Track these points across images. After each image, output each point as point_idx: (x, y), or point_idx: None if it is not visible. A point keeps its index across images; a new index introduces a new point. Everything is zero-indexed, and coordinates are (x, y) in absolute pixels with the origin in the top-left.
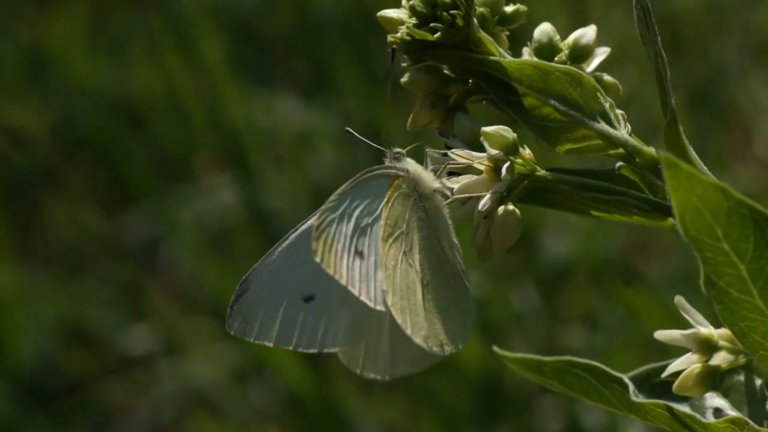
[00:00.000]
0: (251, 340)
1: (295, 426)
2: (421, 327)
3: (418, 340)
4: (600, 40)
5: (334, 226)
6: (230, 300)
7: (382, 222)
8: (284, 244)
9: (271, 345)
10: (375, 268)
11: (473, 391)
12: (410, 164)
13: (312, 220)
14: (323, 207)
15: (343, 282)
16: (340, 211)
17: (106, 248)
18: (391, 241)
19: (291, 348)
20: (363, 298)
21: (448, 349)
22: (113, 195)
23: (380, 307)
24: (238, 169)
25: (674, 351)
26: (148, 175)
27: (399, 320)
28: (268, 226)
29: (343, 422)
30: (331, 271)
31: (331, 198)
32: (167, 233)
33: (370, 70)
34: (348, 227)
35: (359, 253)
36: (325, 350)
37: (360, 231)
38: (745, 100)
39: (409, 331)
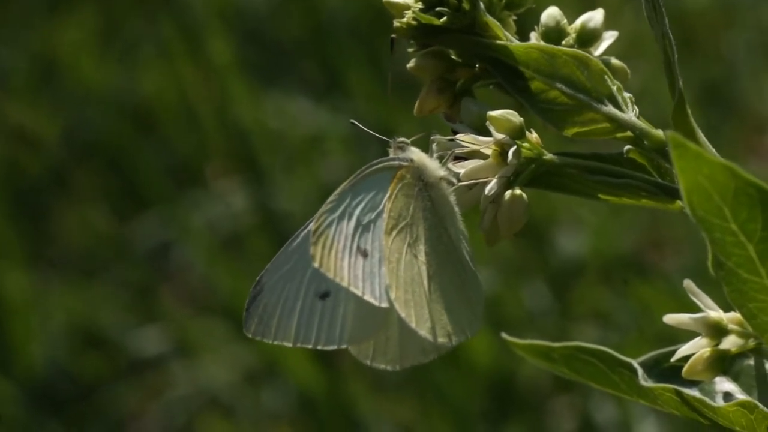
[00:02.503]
0: (270, 341)
1: (307, 427)
2: (426, 319)
3: (423, 332)
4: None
5: (334, 227)
6: (245, 303)
7: (385, 215)
8: (294, 243)
9: (290, 345)
10: (379, 265)
11: (486, 390)
12: (414, 153)
13: None
14: (321, 209)
15: (345, 284)
16: (339, 211)
17: (118, 252)
18: (394, 233)
19: (310, 346)
20: (368, 297)
21: (456, 339)
22: (125, 199)
23: (385, 305)
24: (249, 173)
25: (685, 342)
26: (160, 179)
27: (403, 314)
28: (280, 229)
29: (355, 422)
30: (331, 275)
31: (330, 199)
32: (179, 237)
33: (380, 72)
34: (349, 226)
35: (362, 252)
36: (344, 345)
37: (362, 228)
38: (757, 97)
39: (413, 324)
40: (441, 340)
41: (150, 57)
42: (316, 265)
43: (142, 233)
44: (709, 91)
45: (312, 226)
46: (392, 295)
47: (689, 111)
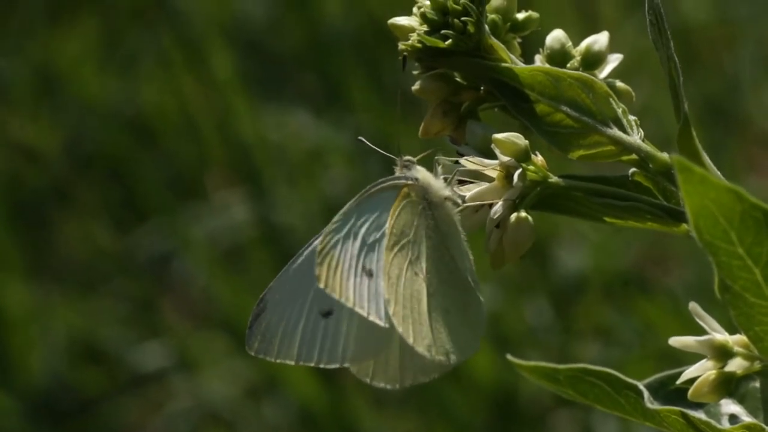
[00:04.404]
0: (273, 360)
1: None
2: (424, 336)
3: (421, 349)
4: (612, 52)
5: (339, 247)
6: (248, 320)
7: (387, 231)
8: (298, 261)
9: (293, 363)
10: None
11: (487, 405)
12: (420, 172)
13: None
14: (327, 228)
15: (350, 305)
16: (345, 231)
17: (119, 265)
18: (396, 249)
19: (313, 365)
20: (372, 318)
21: (455, 358)
22: (125, 212)
23: (388, 325)
24: (250, 185)
25: (689, 362)
26: (160, 191)
27: (401, 330)
28: (281, 242)
29: None
30: (336, 295)
31: (336, 218)
32: (180, 250)
33: (381, 85)
34: (354, 246)
35: (367, 272)
36: (346, 364)
37: (368, 248)
38: (759, 112)
39: (411, 341)
40: (438, 357)
41: (150, 69)
42: (321, 285)
43: (142, 246)
44: (711, 106)
45: (318, 246)
46: (390, 310)
47: (694, 134)
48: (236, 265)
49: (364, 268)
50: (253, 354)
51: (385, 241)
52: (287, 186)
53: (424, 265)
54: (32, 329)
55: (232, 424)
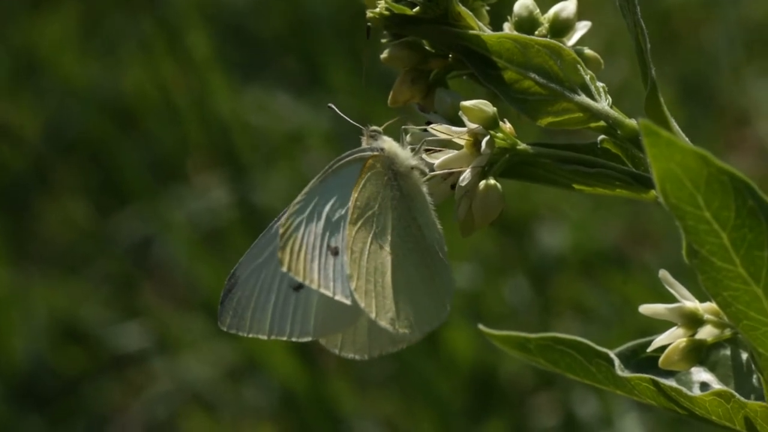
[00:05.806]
0: (245, 335)
1: (289, 424)
2: (387, 309)
3: (383, 323)
4: (590, 34)
5: (302, 229)
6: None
7: (350, 205)
8: (268, 235)
9: (265, 338)
10: None
11: (468, 386)
12: (386, 142)
13: None
14: (289, 210)
15: (315, 286)
16: (308, 211)
17: (100, 248)
18: (360, 223)
19: (285, 338)
20: (339, 297)
21: (420, 330)
22: (106, 195)
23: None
24: (230, 168)
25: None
26: (141, 174)
27: (362, 304)
28: (261, 224)
29: (337, 419)
30: (300, 278)
31: (298, 198)
32: (160, 232)
33: (361, 67)
34: (318, 226)
35: (333, 250)
36: (318, 337)
37: (333, 226)
38: (737, 92)
39: (373, 315)
40: (402, 330)
41: (131, 53)
42: (284, 269)
43: (123, 228)
44: (690, 86)
45: (280, 229)
46: (352, 285)
47: (662, 100)
48: (217, 247)
49: (329, 246)
50: (225, 329)
51: (349, 216)
52: (267, 168)
53: (389, 237)
54: (13, 311)
55: (213, 405)
